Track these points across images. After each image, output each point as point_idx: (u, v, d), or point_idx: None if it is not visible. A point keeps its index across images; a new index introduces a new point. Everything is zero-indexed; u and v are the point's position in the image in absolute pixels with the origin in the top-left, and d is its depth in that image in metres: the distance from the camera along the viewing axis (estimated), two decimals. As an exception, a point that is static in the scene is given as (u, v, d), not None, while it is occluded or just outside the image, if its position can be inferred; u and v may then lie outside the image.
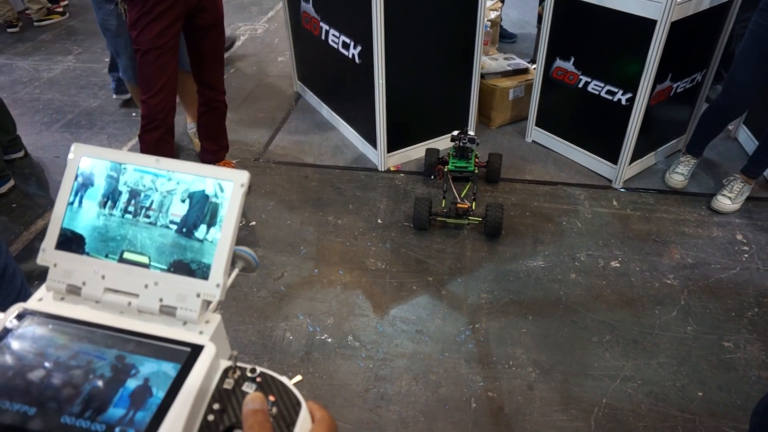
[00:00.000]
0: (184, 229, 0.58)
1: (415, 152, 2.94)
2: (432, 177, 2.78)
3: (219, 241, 0.57)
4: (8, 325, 0.57)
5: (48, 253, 0.60)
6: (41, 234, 2.49)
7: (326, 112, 3.32)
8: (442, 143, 2.92)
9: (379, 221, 2.53)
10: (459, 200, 2.41)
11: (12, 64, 4.21)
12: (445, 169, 2.57)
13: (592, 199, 2.66)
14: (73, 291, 0.59)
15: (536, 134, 3.08)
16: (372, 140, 2.84)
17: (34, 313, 0.58)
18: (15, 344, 0.55)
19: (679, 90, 2.66)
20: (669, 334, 2.00)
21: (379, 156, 2.83)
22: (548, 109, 2.96)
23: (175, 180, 0.60)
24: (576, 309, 2.10)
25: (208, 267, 0.57)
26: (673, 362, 1.90)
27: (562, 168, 2.89)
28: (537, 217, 2.57)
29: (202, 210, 0.58)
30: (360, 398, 1.79)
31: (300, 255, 2.35)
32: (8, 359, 0.54)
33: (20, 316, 0.58)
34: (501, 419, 1.73)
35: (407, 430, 1.70)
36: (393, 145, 2.83)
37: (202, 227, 0.58)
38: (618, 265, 2.30)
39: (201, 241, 0.57)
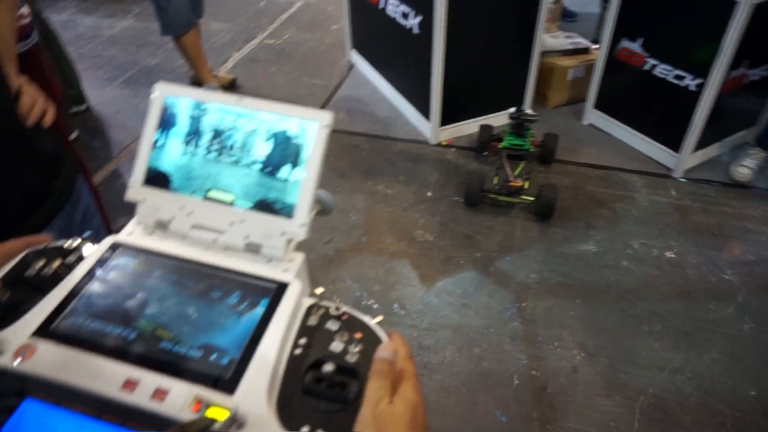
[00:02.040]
0: (268, 169, 0.58)
1: (468, 128, 2.89)
2: (485, 153, 2.73)
3: (303, 181, 0.57)
4: (103, 255, 0.59)
5: (136, 190, 0.62)
6: (101, 185, 2.59)
7: (379, 82, 3.29)
8: (496, 120, 2.86)
9: (429, 194, 2.52)
10: (512, 178, 2.37)
11: (76, 21, 4.34)
12: (500, 146, 2.52)
13: (649, 187, 2.57)
14: (161, 226, 0.61)
15: (594, 117, 2.98)
16: (425, 113, 2.81)
17: (125, 245, 0.60)
18: (110, 273, 0.57)
19: (753, 78, 2.52)
20: (723, 330, 1.93)
21: (431, 129, 2.80)
22: (609, 91, 2.85)
23: (258, 119, 0.60)
24: (626, 297, 2.05)
25: (291, 207, 0.57)
26: (726, 359, 1.84)
27: (618, 153, 2.80)
28: (590, 201, 2.50)
29: (286, 150, 0.58)
30: (402, 365, 1.81)
31: (349, 222, 2.37)
32: (105, 287, 0.56)
33: (113, 248, 0.60)
34: (543, 398, 1.72)
35: (449, 400, 1.71)
36: (446, 119, 2.80)
37: (286, 167, 0.58)
38: (673, 256, 2.22)
39: (284, 181, 0.58)
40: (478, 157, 2.76)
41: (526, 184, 2.40)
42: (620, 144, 2.86)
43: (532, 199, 2.36)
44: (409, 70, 2.90)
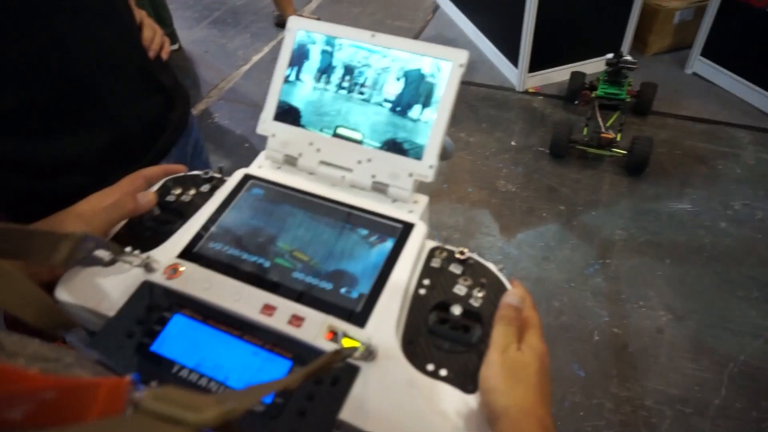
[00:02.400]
0: (399, 108, 0.58)
1: (558, 75, 2.75)
2: (575, 102, 2.59)
3: (434, 122, 0.56)
4: (236, 187, 0.62)
5: (267, 124, 0.63)
6: (193, 123, 2.69)
7: (465, 24, 3.16)
8: (589, 67, 2.70)
9: (513, 143, 2.45)
10: (603, 130, 2.25)
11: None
12: (593, 95, 2.38)
13: (759, 144, 2.36)
14: (290, 161, 0.62)
15: (699, 65, 2.73)
16: (513, 58, 2.69)
17: (256, 178, 0.63)
18: (243, 204, 0.60)
19: None
20: (831, 301, 1.79)
21: (519, 75, 2.68)
22: (721, 36, 2.59)
23: (391, 57, 0.59)
24: (722, 259, 1.94)
25: (420, 147, 0.57)
26: (831, 331, 1.72)
27: (725, 105, 2.57)
28: (688, 156, 2.34)
29: (418, 89, 0.57)
30: (479, 313, 1.82)
31: (429, 168, 2.35)
32: (239, 217, 0.59)
33: (245, 180, 0.62)
34: (624, 356, 1.69)
35: (526, 350, 1.72)
36: (535, 65, 2.67)
37: (417, 107, 0.57)
38: (779, 219, 2.06)
39: (415, 121, 0.57)
40: (567, 107, 2.63)
41: (619, 137, 2.27)
42: (728, 96, 2.62)
43: (623, 152, 2.24)
44: (499, 11, 2.76)
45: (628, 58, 2.31)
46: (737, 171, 2.26)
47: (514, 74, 2.73)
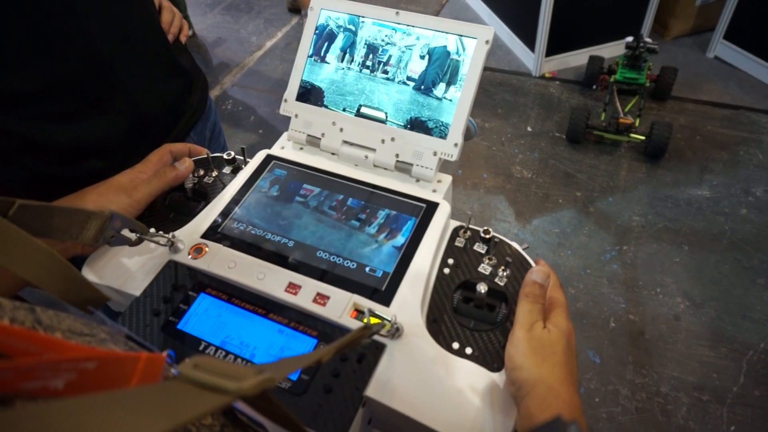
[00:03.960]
0: (423, 86, 0.57)
1: (575, 59, 2.70)
2: (594, 87, 2.56)
3: (459, 100, 0.56)
4: (258, 168, 0.62)
5: (290, 104, 0.63)
6: (208, 109, 2.70)
7: (480, 8, 3.12)
8: (607, 50, 2.65)
9: (529, 129, 2.42)
10: (622, 115, 2.21)
11: (179, -55, 4.40)
12: (611, 80, 2.34)
13: (782, 129, 2.32)
14: (313, 142, 0.62)
15: (722, 49, 2.67)
16: (530, 42, 2.65)
17: (278, 159, 0.62)
18: (266, 185, 0.60)
19: None
20: None
21: (535, 60, 2.65)
22: (746, 17, 2.52)
23: (415, 35, 0.58)
24: (742, 246, 1.91)
25: (445, 126, 0.56)
26: None
27: (748, 90, 2.52)
28: (708, 142, 2.30)
29: (442, 67, 0.57)
30: (495, 299, 1.82)
31: (444, 154, 2.33)
32: (262, 197, 0.59)
33: (267, 161, 0.62)
34: (640, 343, 1.68)
35: (542, 336, 1.71)
36: (552, 50, 2.62)
37: (441, 85, 0.56)
38: (802, 206, 2.02)
39: (439, 99, 0.56)
40: (584, 92, 2.59)
41: (637, 122, 2.24)
42: (751, 80, 2.56)
43: (642, 138, 2.20)
44: (515, -6, 2.71)
45: (648, 40, 2.26)
46: (759, 157, 2.21)
47: (530, 59, 2.69)
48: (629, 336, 1.70)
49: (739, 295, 1.78)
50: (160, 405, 0.20)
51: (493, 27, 2.49)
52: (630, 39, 2.28)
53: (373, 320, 0.47)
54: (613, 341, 1.69)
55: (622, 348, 1.68)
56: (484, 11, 3.07)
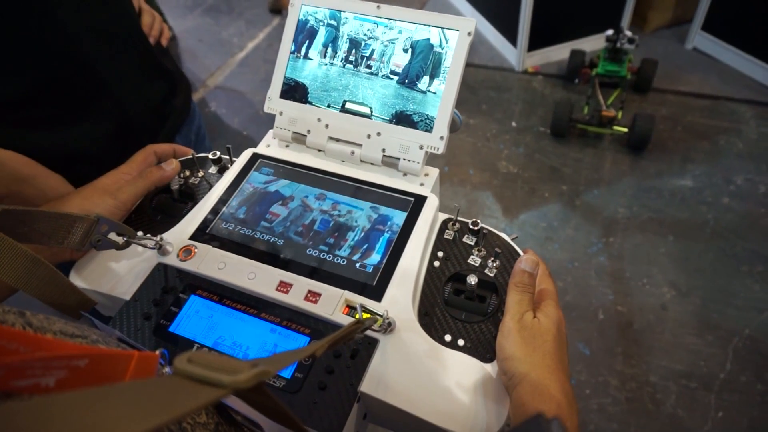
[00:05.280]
0: (407, 80, 0.57)
1: (556, 53, 2.73)
2: (576, 81, 2.58)
3: (443, 92, 0.56)
4: (244, 167, 0.61)
5: (274, 101, 0.63)
6: (191, 112, 2.67)
7: (462, 5, 3.13)
8: (588, 44, 2.68)
9: (514, 124, 2.44)
10: (604, 108, 2.24)
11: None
12: (593, 73, 2.37)
13: (761, 118, 2.36)
14: (298, 139, 0.62)
15: (700, 40, 2.71)
16: (512, 38, 2.67)
17: (264, 157, 0.62)
18: (253, 184, 0.60)
19: None
20: (834, 274, 1.80)
21: (517, 55, 2.66)
22: (722, 9, 2.56)
23: (397, 29, 0.58)
24: (725, 235, 1.94)
25: (431, 119, 0.56)
26: (834, 303, 1.72)
27: (727, 81, 2.56)
28: (690, 133, 2.33)
29: (426, 60, 0.57)
30: (484, 294, 1.83)
31: (430, 151, 2.34)
32: (249, 197, 0.59)
33: (253, 160, 0.62)
34: (629, 334, 1.70)
35: (532, 329, 1.73)
36: (534, 44, 2.64)
37: (425, 78, 0.57)
38: (782, 193, 2.06)
39: (424, 92, 0.57)
40: (567, 86, 2.61)
41: (620, 115, 2.26)
42: (729, 71, 2.60)
43: (625, 130, 2.23)
44: (496, -9, 2.73)
45: (628, 33, 2.29)
46: (739, 146, 2.25)
47: (512, 54, 2.71)
48: (618, 327, 1.72)
49: (723, 283, 1.81)
50: (155, 398, 0.20)
51: (476, 23, 2.49)
52: (610, 32, 2.31)
53: (366, 316, 0.47)
54: (602, 333, 1.71)
55: (611, 339, 1.70)
56: (466, 8, 3.09)
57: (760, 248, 1.88)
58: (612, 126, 2.24)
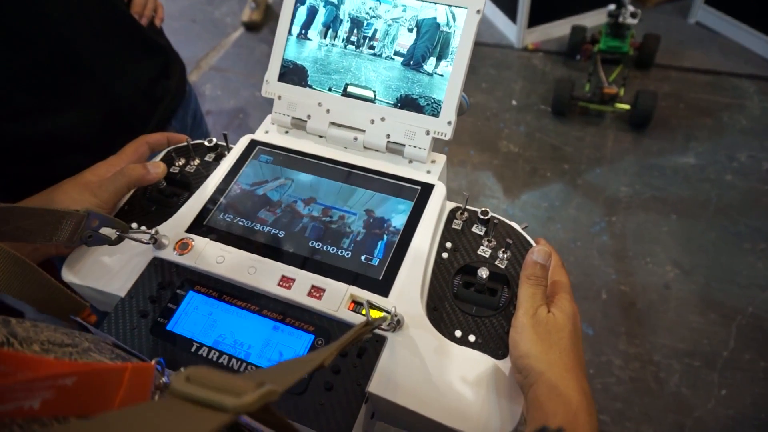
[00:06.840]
0: (412, 62, 0.54)
1: (557, 29, 2.67)
2: (577, 58, 2.53)
3: (451, 75, 0.53)
4: (242, 154, 0.58)
5: (272, 85, 0.60)
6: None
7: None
8: (589, 20, 2.62)
9: (514, 103, 2.40)
10: (606, 84, 2.20)
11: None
12: (594, 49, 2.32)
13: (764, 94, 2.32)
14: (298, 125, 0.59)
15: (703, 14, 2.66)
16: (512, 14, 2.61)
17: (263, 144, 0.59)
18: (251, 172, 0.57)
19: None
20: (838, 250, 1.79)
21: (517, 31, 2.61)
22: (725, -18, 2.51)
23: (402, 6, 0.55)
24: (728, 213, 1.92)
25: (437, 103, 0.54)
26: (838, 280, 1.72)
27: (729, 56, 2.51)
28: (692, 109, 2.29)
29: (432, 40, 0.54)
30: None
31: (429, 132, 2.30)
32: (248, 186, 0.56)
33: (251, 147, 0.59)
34: (632, 313, 1.69)
35: (535, 311, 1.72)
36: (534, 20, 2.59)
37: (432, 60, 0.54)
38: (786, 169, 2.03)
39: (430, 74, 0.54)
40: (568, 63, 2.57)
41: (622, 91, 2.22)
42: (733, 45, 2.56)
43: (627, 107, 2.19)
44: (495, -35, 2.66)
45: (631, 7, 2.24)
46: (742, 122, 2.22)
47: (512, 31, 2.65)
48: (621, 307, 1.71)
49: (726, 261, 1.79)
50: (152, 429, 0.18)
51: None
52: (612, 7, 2.26)
53: (373, 313, 0.45)
54: (605, 313, 1.70)
55: (614, 319, 1.69)
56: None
57: (764, 226, 1.87)
58: (614, 103, 2.20)
